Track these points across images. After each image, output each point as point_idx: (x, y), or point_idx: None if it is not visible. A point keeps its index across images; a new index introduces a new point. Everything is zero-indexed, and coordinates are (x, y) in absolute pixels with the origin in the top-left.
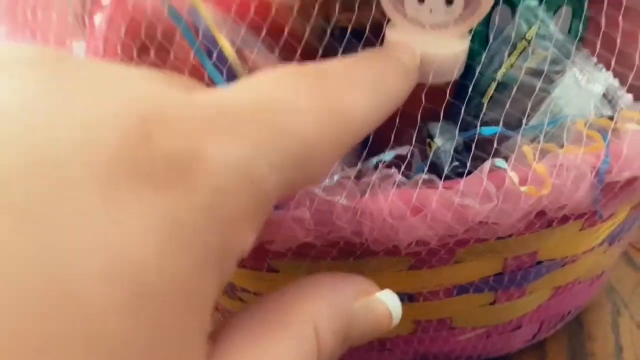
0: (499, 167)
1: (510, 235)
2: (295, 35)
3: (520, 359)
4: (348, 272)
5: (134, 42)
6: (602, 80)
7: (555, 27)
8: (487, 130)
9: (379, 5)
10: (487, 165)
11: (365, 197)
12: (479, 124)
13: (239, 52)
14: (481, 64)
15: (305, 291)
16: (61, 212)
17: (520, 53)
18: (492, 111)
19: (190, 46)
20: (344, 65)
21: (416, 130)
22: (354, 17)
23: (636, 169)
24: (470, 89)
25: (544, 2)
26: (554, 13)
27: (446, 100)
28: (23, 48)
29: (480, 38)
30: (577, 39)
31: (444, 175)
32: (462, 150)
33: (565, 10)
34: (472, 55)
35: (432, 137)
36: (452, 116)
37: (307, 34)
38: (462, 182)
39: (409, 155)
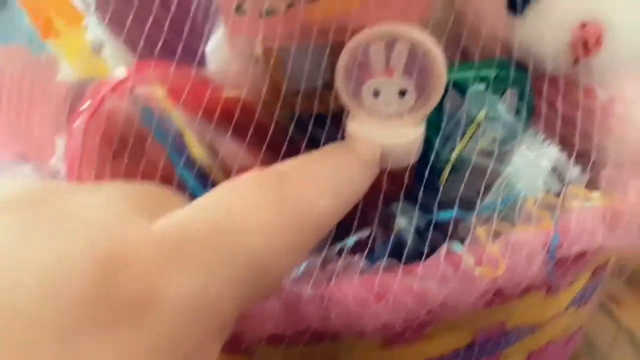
0: (456, 250)
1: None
2: (263, 126)
3: None
4: (321, 355)
5: (108, 148)
6: (550, 155)
7: (503, 108)
8: (444, 215)
9: (338, 97)
10: (444, 248)
11: (331, 285)
12: (436, 206)
13: (210, 147)
14: (436, 147)
15: None
16: None
17: (472, 135)
18: (448, 191)
19: (162, 148)
20: (305, 165)
21: (378, 212)
22: (315, 108)
23: (585, 243)
24: (427, 172)
25: (490, 86)
26: (501, 96)
27: (405, 183)
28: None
29: (434, 123)
30: (525, 118)
31: (405, 255)
32: (423, 230)
33: (512, 93)
34: (428, 140)
35: (394, 218)
36: (412, 197)
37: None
38: (421, 266)
39: (370, 240)
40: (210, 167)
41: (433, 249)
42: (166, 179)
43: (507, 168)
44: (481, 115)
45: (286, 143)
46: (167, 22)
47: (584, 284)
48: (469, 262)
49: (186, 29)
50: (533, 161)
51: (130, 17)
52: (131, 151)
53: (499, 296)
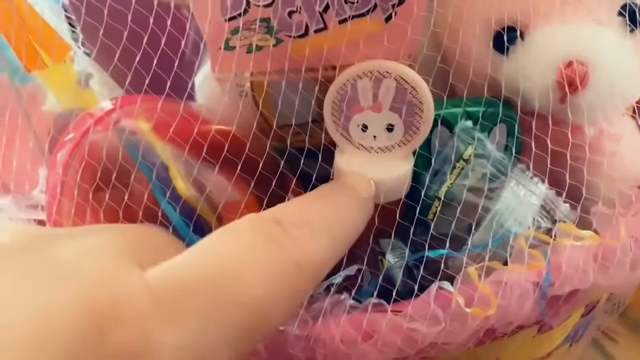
0: (446, 289)
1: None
2: (252, 160)
3: None
4: None
5: (90, 180)
6: (539, 192)
7: (491, 145)
8: (434, 253)
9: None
10: (434, 287)
11: (318, 324)
12: (427, 244)
13: (196, 182)
14: (425, 183)
15: None
16: None
17: (460, 172)
18: (438, 226)
19: (147, 182)
20: (301, 208)
21: (368, 249)
22: (306, 141)
23: (576, 282)
24: (417, 208)
25: (479, 123)
26: (489, 132)
27: (396, 218)
28: None
29: (423, 159)
30: (513, 155)
31: (395, 291)
32: (412, 267)
33: (500, 129)
34: (417, 175)
35: (383, 255)
36: (402, 233)
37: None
38: (410, 306)
39: (359, 278)
40: (197, 202)
41: (422, 286)
42: (150, 213)
43: (496, 204)
44: (470, 151)
45: (276, 177)
46: (156, 56)
47: (576, 322)
48: (459, 301)
49: (175, 62)
50: (522, 198)
51: (117, 52)
52: (114, 185)
53: (490, 335)
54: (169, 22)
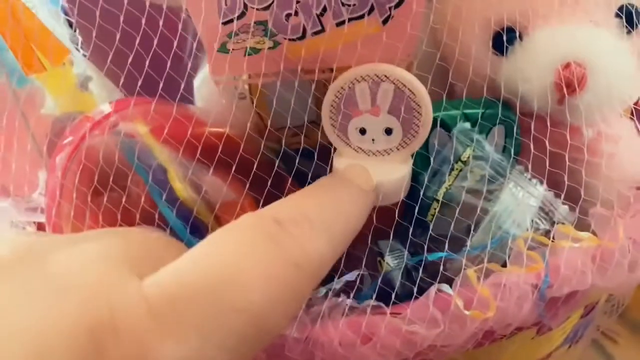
0: (445, 292)
1: None
2: (248, 161)
3: None
4: None
5: (89, 183)
6: (537, 194)
7: (490, 147)
8: (433, 256)
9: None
10: (432, 290)
11: (316, 327)
12: (425, 246)
13: (193, 183)
14: (424, 185)
15: None
16: None
17: (458, 174)
18: (437, 229)
19: (144, 184)
20: (299, 205)
21: (367, 250)
22: (302, 142)
23: (575, 284)
24: (415, 209)
25: (477, 124)
26: (487, 134)
27: (395, 220)
28: None
29: (421, 160)
30: (512, 157)
31: (394, 294)
32: (412, 269)
33: (499, 131)
34: (415, 177)
35: (382, 256)
36: (401, 234)
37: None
38: (409, 309)
39: (358, 281)
40: (194, 203)
41: (421, 289)
42: (148, 216)
43: (495, 206)
44: (468, 153)
45: (272, 177)
46: (149, 58)
47: (576, 323)
48: (458, 304)
49: (168, 64)
50: (521, 199)
51: (112, 54)
52: (112, 187)
53: (489, 337)
54: (161, 23)
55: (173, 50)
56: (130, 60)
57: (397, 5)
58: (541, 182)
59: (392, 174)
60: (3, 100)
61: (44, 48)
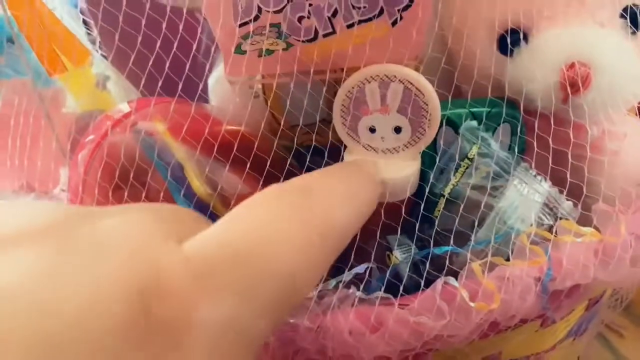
0: (451, 284)
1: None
2: (261, 158)
3: None
4: None
5: (110, 179)
6: (542, 190)
7: (496, 144)
8: (439, 250)
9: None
10: (439, 283)
11: (327, 317)
12: (432, 240)
13: (209, 179)
14: (430, 182)
15: None
16: None
17: (465, 171)
18: (443, 224)
19: (163, 180)
20: (323, 178)
21: (375, 245)
22: (314, 140)
23: (577, 277)
24: (422, 205)
25: (483, 123)
26: (494, 132)
27: (402, 216)
28: (27, 220)
29: (428, 158)
30: (517, 154)
31: (402, 286)
32: (419, 262)
33: (504, 129)
34: (423, 174)
35: (391, 250)
36: (409, 229)
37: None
38: (417, 300)
39: (367, 274)
40: (210, 199)
41: (428, 281)
42: None
43: (500, 202)
44: (474, 150)
45: (284, 174)
46: (169, 59)
47: (580, 316)
48: (464, 296)
49: (187, 64)
50: (525, 196)
51: (134, 54)
52: (132, 183)
53: (493, 329)
54: (181, 27)
55: (192, 52)
56: (151, 62)
57: (405, 8)
58: (546, 179)
59: (401, 171)
60: (29, 100)
61: (67, 50)
